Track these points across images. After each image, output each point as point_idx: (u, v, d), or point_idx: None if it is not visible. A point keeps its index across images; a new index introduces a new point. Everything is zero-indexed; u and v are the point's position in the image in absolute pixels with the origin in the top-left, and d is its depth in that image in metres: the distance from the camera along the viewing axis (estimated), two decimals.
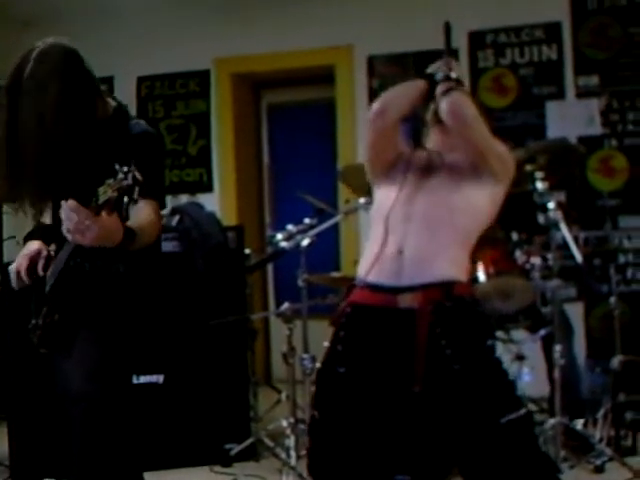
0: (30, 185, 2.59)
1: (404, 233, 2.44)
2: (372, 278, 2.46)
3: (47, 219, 2.88)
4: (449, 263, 2.43)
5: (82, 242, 2.39)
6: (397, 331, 2.39)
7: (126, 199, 2.34)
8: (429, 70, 2.62)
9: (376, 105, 2.60)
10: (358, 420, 2.40)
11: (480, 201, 2.52)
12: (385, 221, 2.48)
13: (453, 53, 2.70)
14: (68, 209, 2.33)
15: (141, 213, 2.55)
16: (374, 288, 2.44)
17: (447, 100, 2.52)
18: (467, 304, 2.43)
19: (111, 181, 2.32)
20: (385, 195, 2.59)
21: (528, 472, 2.32)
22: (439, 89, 2.56)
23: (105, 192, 2.32)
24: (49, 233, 2.78)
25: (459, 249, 2.47)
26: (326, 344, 2.55)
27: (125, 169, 2.30)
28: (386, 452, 2.41)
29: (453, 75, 2.57)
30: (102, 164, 2.43)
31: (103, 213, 2.34)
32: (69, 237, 2.40)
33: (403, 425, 2.40)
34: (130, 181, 2.30)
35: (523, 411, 2.35)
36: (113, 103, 2.75)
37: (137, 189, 2.31)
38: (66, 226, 2.37)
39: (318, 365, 2.57)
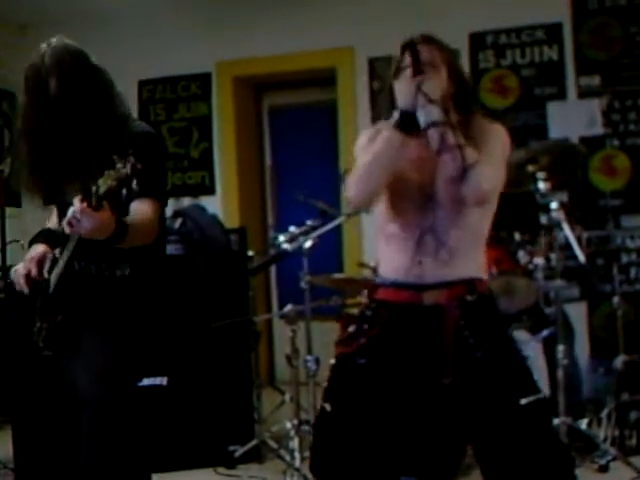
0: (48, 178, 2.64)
1: (424, 245, 2.45)
2: (394, 277, 2.49)
3: (52, 223, 2.89)
4: (469, 263, 2.47)
5: (78, 233, 2.42)
6: (423, 326, 2.43)
7: (125, 191, 2.36)
8: (402, 106, 2.39)
9: (350, 194, 2.44)
10: (374, 412, 2.42)
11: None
12: (406, 233, 2.48)
13: (420, 72, 2.42)
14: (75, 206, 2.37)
15: (137, 210, 2.57)
16: (398, 286, 2.47)
17: (469, 186, 2.36)
18: (488, 299, 2.49)
19: (110, 172, 2.33)
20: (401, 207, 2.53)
21: (545, 454, 2.35)
22: (438, 146, 2.38)
23: (105, 182, 2.33)
24: (54, 237, 2.79)
25: (477, 250, 2.52)
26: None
27: (124, 160, 2.32)
28: (396, 447, 2.43)
29: (437, 118, 2.35)
30: (104, 160, 2.46)
31: (103, 204, 2.36)
32: (67, 229, 2.43)
33: (424, 416, 2.43)
34: (129, 170, 2.31)
35: (542, 395, 2.41)
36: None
37: (135, 180, 2.33)
38: (68, 218, 2.40)
39: (332, 361, 2.57)
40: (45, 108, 2.61)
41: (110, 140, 2.58)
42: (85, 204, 2.34)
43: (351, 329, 2.53)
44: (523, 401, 2.35)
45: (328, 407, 2.48)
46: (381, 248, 2.57)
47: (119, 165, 2.31)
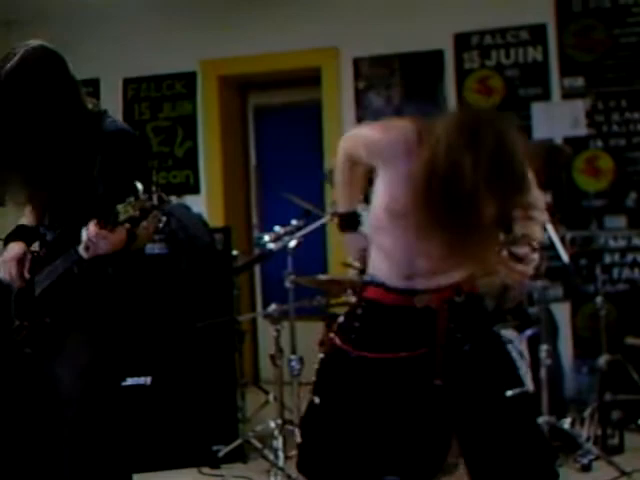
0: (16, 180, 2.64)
1: (412, 252, 2.43)
2: (385, 279, 2.47)
3: (25, 220, 2.87)
4: (458, 267, 2.46)
5: (95, 254, 2.51)
6: (414, 327, 2.44)
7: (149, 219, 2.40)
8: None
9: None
10: (362, 408, 2.42)
11: None
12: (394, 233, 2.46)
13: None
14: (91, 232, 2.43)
15: None
16: (388, 289, 2.47)
17: None
18: (474, 297, 2.51)
19: (132, 200, 2.34)
20: (390, 196, 2.50)
21: (527, 447, 2.37)
22: None
23: (127, 211, 2.36)
24: (30, 233, 2.78)
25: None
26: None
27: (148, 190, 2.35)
28: (381, 445, 2.43)
29: None
30: (75, 161, 2.50)
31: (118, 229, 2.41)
32: (84, 254, 2.51)
33: (413, 417, 2.43)
34: (156, 202, 2.34)
35: (526, 388, 2.46)
36: (90, 105, 2.73)
37: (162, 211, 2.37)
38: (85, 243, 2.48)
39: (321, 355, 2.58)
40: (9, 105, 2.56)
41: (82, 136, 2.58)
42: (100, 228, 2.41)
43: (340, 320, 2.55)
44: (509, 393, 2.37)
45: (317, 400, 2.48)
46: (372, 251, 2.55)
47: (143, 196, 2.34)
